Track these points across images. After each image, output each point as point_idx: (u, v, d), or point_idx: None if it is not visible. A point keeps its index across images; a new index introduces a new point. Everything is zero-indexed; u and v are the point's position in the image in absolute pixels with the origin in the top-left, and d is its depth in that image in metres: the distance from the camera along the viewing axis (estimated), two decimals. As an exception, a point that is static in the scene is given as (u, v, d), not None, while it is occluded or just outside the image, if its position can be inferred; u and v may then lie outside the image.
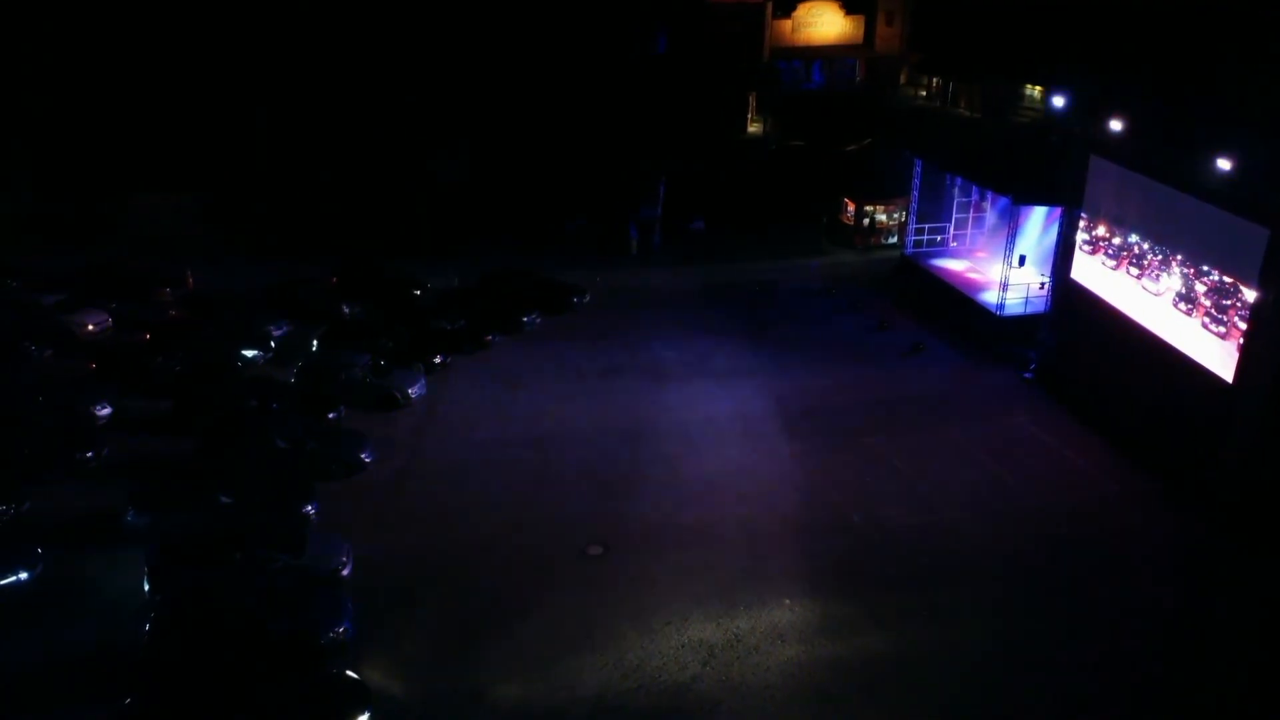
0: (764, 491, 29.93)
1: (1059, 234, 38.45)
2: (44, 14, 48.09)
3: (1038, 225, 41.78)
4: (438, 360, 37.51)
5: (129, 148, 49.59)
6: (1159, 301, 32.67)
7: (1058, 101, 37.68)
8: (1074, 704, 22.14)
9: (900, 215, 51.34)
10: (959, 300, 42.63)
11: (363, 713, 20.81)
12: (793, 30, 63.13)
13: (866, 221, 52.79)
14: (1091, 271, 36.27)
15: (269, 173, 50.19)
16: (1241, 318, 28.89)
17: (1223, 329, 29.78)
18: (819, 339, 41.38)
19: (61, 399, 32.38)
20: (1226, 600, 25.63)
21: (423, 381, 35.54)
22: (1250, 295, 28.38)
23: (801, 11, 63.04)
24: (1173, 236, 32.11)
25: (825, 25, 64.02)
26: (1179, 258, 31.77)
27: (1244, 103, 28.64)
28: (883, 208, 52.73)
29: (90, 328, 39.09)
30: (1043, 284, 39.59)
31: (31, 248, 46.31)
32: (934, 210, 47.79)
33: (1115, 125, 33.05)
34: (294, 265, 45.53)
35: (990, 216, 46.68)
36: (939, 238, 47.67)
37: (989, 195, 45.63)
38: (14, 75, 48.42)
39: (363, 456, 30.41)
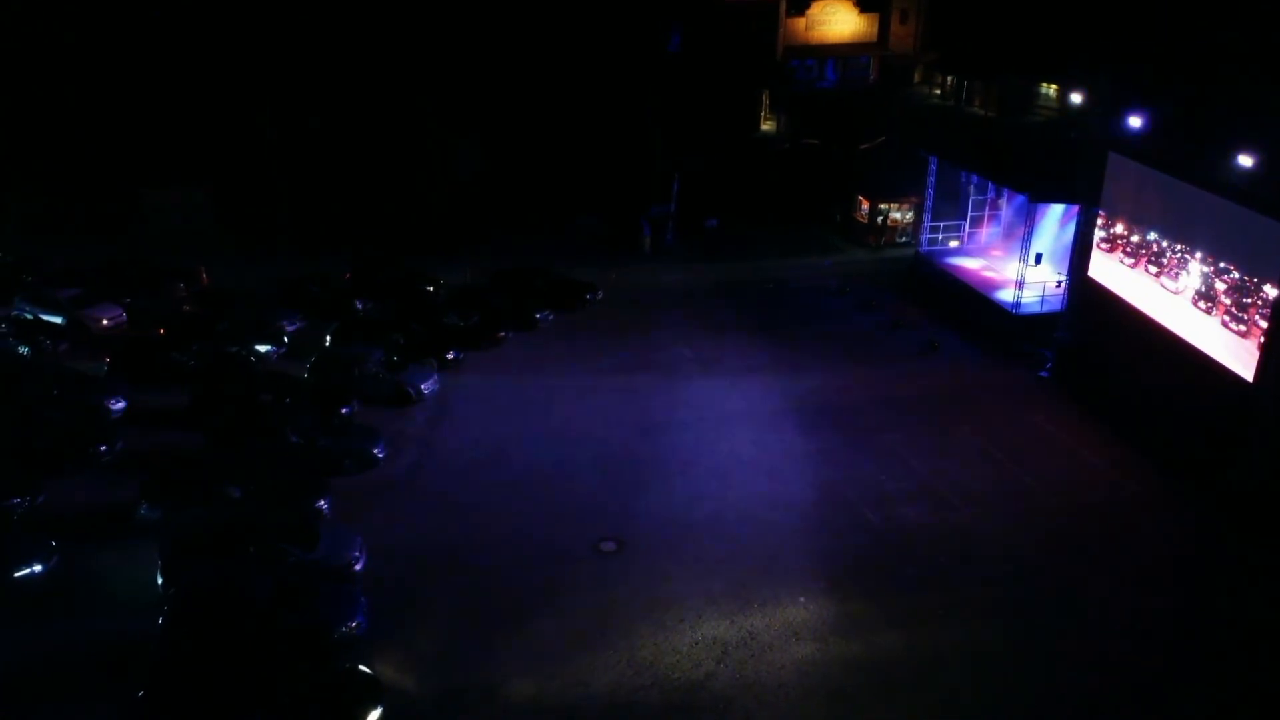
0: (778, 489, 29.76)
1: (1076, 232, 38.13)
2: (48, 12, 48.18)
3: (1054, 223, 41.47)
4: (450, 356, 37.52)
5: (141, 143, 49.73)
6: (1178, 300, 32.36)
7: (1075, 98, 37.40)
8: (1090, 704, 21.90)
9: (914, 213, 51.11)
10: (974, 299, 42.36)
11: (375, 708, 20.74)
12: (806, 28, 62.98)
13: (880, 220, 52.56)
14: (1109, 269, 35.97)
15: (281, 168, 50.26)
16: (1262, 316, 28.58)
17: (1243, 327, 29.47)
18: (833, 337, 41.20)
19: (76, 393, 32.49)
20: (1247, 599, 25.34)
21: (436, 377, 35.55)
22: (1271, 293, 28.08)
23: (815, 10, 62.87)
24: (1192, 234, 31.80)
25: (839, 23, 63.83)
26: (1198, 255, 31.49)
27: (1265, 99, 28.30)
28: (897, 206, 52.47)
29: (105, 323, 39.28)
30: (1059, 282, 39.28)
31: (46, 243, 46.51)
32: (949, 208, 47.55)
33: (1134, 122, 32.75)
34: (308, 261, 45.63)
35: (1006, 214, 46.41)
36: (949, 236, 47.37)
37: (1005, 193, 45.35)
38: (22, 72, 48.56)
39: (375, 452, 30.40)
